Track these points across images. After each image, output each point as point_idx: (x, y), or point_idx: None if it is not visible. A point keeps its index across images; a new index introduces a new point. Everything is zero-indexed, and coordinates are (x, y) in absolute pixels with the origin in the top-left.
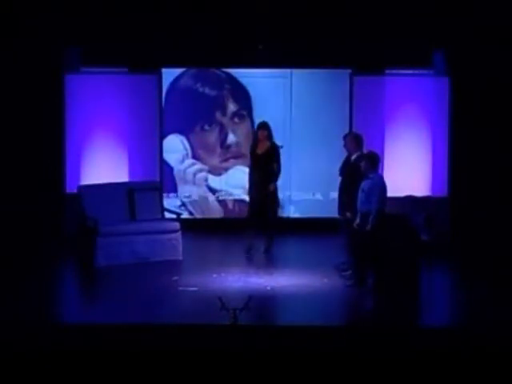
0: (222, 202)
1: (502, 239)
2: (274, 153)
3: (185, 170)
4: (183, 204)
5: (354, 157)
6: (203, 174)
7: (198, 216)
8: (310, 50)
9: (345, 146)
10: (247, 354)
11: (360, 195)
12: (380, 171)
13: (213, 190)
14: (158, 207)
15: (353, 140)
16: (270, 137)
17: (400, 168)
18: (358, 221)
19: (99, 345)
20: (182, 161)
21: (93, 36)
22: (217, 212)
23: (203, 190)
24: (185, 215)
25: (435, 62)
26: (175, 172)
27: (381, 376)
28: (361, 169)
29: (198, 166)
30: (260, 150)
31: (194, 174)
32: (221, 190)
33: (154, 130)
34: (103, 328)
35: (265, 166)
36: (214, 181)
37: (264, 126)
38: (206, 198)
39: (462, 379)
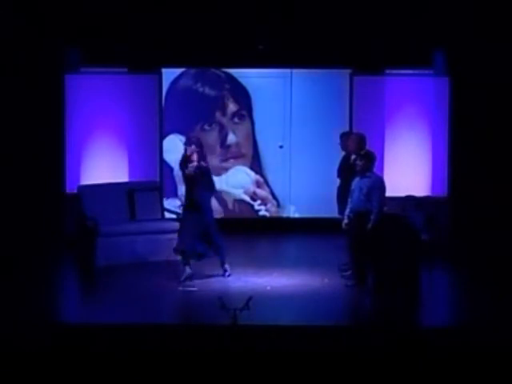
0: (223, 202)
1: (502, 239)
2: (201, 176)
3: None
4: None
5: (353, 157)
6: None
7: None
8: (310, 49)
9: (341, 144)
10: (247, 353)
11: (357, 194)
12: (380, 171)
13: None
14: (158, 207)
15: (357, 141)
16: (200, 155)
17: (400, 168)
18: (346, 221)
19: (99, 345)
20: None
21: (93, 36)
22: (216, 212)
23: None
24: None
25: (435, 62)
26: (175, 172)
27: (381, 376)
28: (357, 168)
29: None
30: (188, 170)
31: None
32: (221, 191)
33: (154, 130)
34: (103, 328)
35: (191, 190)
36: (214, 181)
37: (191, 140)
38: None
39: (462, 379)
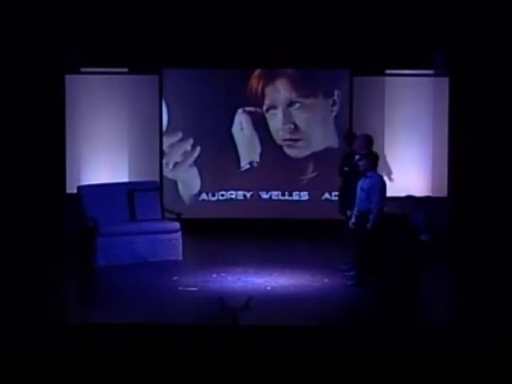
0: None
1: (502, 239)
2: None
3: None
4: None
5: (357, 157)
6: None
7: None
8: (310, 50)
9: (345, 141)
10: (247, 353)
11: (359, 194)
12: (380, 171)
13: None
14: (158, 207)
15: (363, 140)
16: None
17: (400, 168)
18: (353, 220)
19: (99, 345)
20: None
21: (93, 36)
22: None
23: None
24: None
25: (435, 62)
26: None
27: (381, 376)
28: (360, 168)
29: None
30: None
31: None
32: None
33: (153, 130)
34: (103, 328)
35: None
36: None
37: None
38: None
39: (461, 379)
